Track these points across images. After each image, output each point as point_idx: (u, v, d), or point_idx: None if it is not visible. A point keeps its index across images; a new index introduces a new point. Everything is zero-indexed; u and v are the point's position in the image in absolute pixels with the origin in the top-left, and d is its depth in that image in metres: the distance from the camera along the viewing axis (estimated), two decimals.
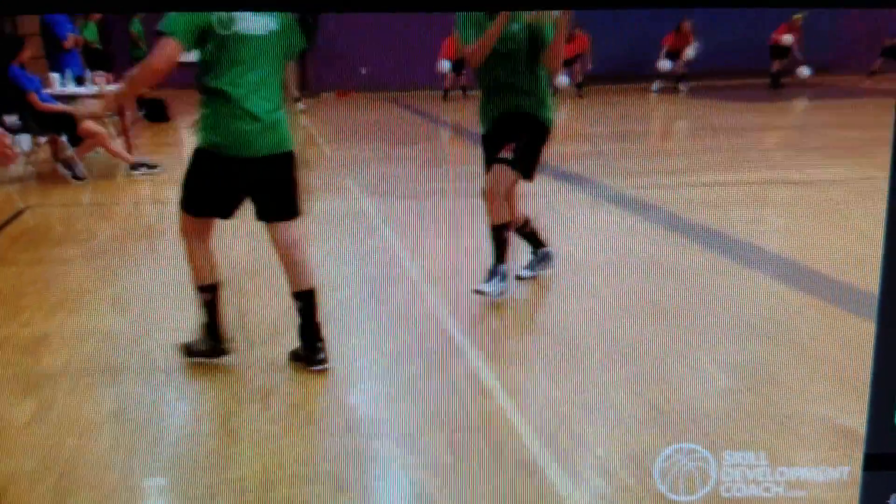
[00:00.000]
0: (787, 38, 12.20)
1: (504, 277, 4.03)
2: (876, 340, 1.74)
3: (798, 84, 12.50)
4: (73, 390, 3.19)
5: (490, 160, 4.07)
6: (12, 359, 3.43)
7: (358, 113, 10.94)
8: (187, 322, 3.64)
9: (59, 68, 7.94)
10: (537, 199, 5.70)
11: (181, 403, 3.15)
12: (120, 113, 7.36)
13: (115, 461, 2.69)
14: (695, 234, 5.06)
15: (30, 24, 9.22)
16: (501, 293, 4.02)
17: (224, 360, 3.39)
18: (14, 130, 7.07)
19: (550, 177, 6.45)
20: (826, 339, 3.52)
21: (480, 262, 4.09)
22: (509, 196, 4.09)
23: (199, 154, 3.22)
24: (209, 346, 3.40)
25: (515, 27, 3.87)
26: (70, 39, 8.35)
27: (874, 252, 4.20)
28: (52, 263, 4.68)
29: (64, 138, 6.79)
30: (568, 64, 12.17)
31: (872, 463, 1.78)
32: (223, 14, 3.06)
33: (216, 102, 3.15)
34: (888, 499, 1.79)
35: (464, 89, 12.07)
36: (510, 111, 4.01)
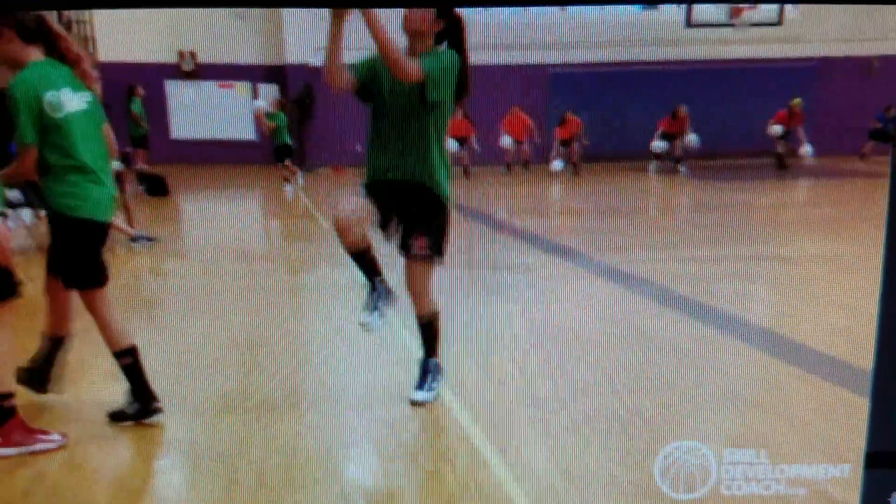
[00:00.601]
0: (776, 129, 12.68)
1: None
2: (877, 341, 1.76)
3: (802, 164, 12.82)
4: (69, 462, 3.18)
5: (405, 251, 3.70)
6: None
7: (354, 187, 11.03)
8: (183, 394, 3.67)
9: None
10: (534, 273, 5.76)
11: (176, 473, 3.14)
12: (121, 188, 7.45)
13: None
14: (684, 306, 5.11)
15: None
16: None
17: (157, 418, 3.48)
18: (16, 205, 7.14)
19: (545, 250, 6.53)
20: (810, 408, 3.54)
21: (476, 332, 4.12)
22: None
23: (81, 226, 3.47)
24: (137, 409, 3.52)
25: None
26: None
27: (856, 325, 4.29)
28: None
29: None
30: (564, 145, 12.64)
31: (873, 461, 1.78)
32: (53, 100, 3.30)
33: (77, 175, 3.41)
34: (889, 496, 1.78)
35: (465, 169, 12.15)
36: (403, 178, 3.63)
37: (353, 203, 3.61)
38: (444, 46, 3.55)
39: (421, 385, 3.75)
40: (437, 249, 3.66)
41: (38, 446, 3.31)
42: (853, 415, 3.49)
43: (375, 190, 3.66)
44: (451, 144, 11.84)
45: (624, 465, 3.04)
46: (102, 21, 13.09)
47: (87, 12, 12.92)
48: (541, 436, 3.34)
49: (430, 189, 3.61)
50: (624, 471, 3.00)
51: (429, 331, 3.77)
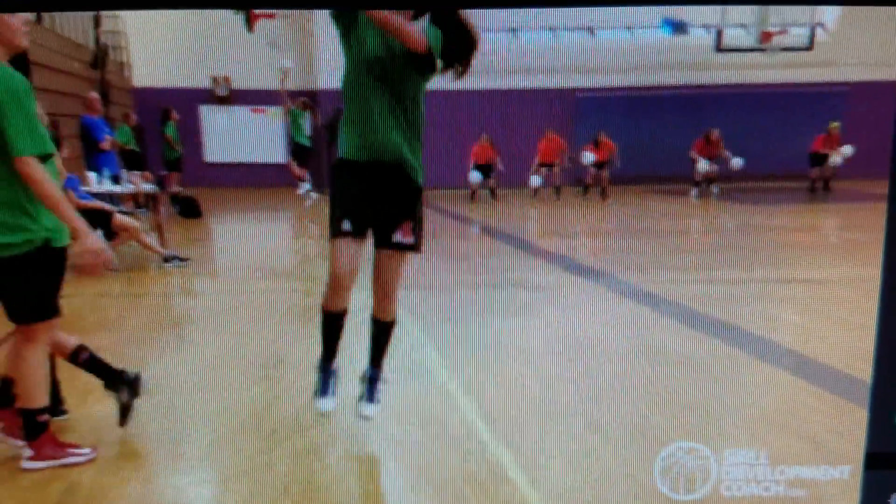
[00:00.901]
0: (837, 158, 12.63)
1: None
2: (877, 341, 1.75)
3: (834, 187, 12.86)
4: (101, 472, 3.22)
5: (384, 243, 3.27)
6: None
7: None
8: (209, 407, 3.72)
9: (96, 168, 8.20)
10: (556, 292, 5.75)
11: (204, 486, 3.17)
12: (155, 209, 7.60)
13: None
14: (710, 327, 5.08)
15: (68, 126, 9.58)
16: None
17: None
18: None
19: (573, 271, 6.52)
20: (837, 430, 3.50)
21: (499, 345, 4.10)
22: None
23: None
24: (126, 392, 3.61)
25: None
26: (107, 141, 8.65)
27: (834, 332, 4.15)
28: None
29: (99, 232, 6.98)
30: (597, 167, 12.62)
31: (873, 462, 1.76)
32: None
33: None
34: (889, 498, 1.76)
35: (492, 191, 12.22)
36: (389, 160, 3.17)
37: (351, 252, 3.18)
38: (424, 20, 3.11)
39: (371, 397, 3.46)
40: (418, 240, 3.28)
41: (70, 459, 3.34)
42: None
43: (353, 171, 3.20)
44: (475, 175, 11.97)
45: (648, 473, 3.03)
46: (138, 47, 13.36)
47: (122, 39, 13.19)
48: (558, 444, 3.33)
49: (413, 173, 3.22)
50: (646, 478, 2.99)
51: (387, 336, 3.44)
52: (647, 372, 4.25)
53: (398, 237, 3.20)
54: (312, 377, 3.50)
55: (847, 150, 12.55)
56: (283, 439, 3.49)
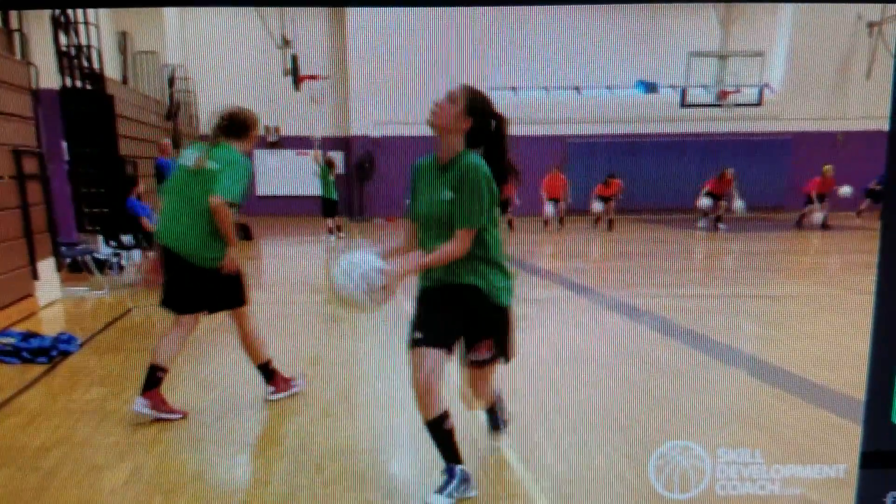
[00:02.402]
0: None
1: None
2: (871, 340, 1.62)
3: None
4: (163, 456, 3.15)
5: (465, 359, 2.85)
6: (113, 430, 3.41)
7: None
8: (255, 401, 3.65)
9: None
10: (555, 305, 5.66)
11: (248, 466, 3.09)
12: None
13: None
14: (684, 335, 5.00)
15: (147, 167, 9.63)
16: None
17: None
18: (128, 247, 7.27)
19: (565, 286, 6.44)
20: (793, 425, 3.40)
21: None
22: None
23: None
24: None
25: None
26: None
27: (832, 354, 4.12)
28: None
29: None
30: (603, 201, 12.26)
31: (869, 460, 1.62)
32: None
33: None
34: (884, 496, 1.62)
35: (510, 223, 11.60)
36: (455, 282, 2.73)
37: (434, 359, 2.70)
38: (480, 151, 2.70)
39: (442, 489, 2.75)
40: (501, 351, 2.82)
41: (165, 415, 3.53)
42: (832, 432, 3.35)
43: (425, 295, 2.82)
44: None
45: (625, 460, 2.93)
46: (204, 102, 13.48)
47: (192, 96, 13.30)
48: (553, 439, 3.24)
49: (490, 294, 2.71)
50: (623, 465, 2.89)
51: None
52: (636, 377, 4.15)
53: (475, 356, 2.83)
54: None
55: (846, 189, 12.08)
56: (319, 423, 3.43)
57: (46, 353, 4.45)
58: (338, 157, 13.34)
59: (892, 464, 1.67)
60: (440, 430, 2.72)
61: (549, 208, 12.16)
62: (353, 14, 13.54)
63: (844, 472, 2.09)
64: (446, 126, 2.65)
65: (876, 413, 1.63)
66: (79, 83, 8.20)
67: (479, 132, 2.67)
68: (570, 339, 4.79)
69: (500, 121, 2.71)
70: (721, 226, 12.09)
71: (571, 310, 5.67)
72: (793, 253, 10.05)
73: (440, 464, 2.76)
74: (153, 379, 3.56)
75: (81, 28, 8.01)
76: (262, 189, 14.33)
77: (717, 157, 13.47)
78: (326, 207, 11.57)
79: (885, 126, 1.75)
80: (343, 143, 14.76)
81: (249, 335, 3.81)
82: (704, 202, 12.10)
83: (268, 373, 3.84)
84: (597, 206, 12.29)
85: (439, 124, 2.66)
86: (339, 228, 12.13)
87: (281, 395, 3.82)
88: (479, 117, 2.65)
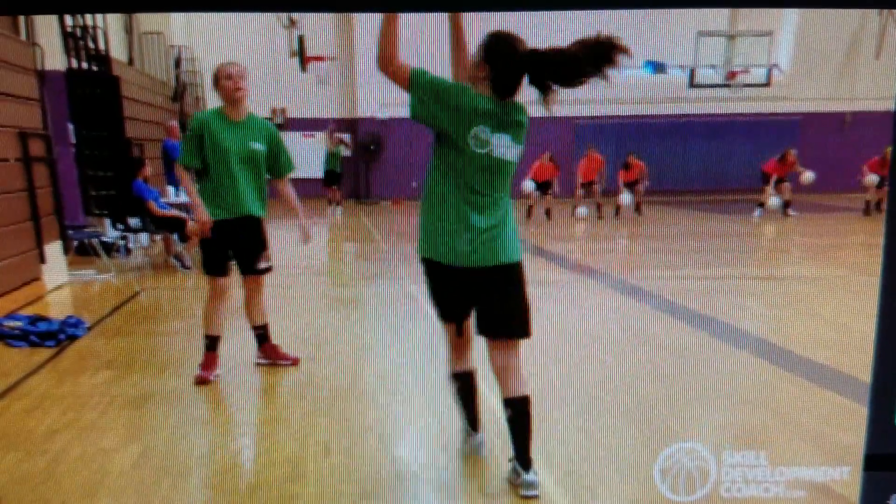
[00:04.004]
0: (872, 179, 10.91)
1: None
2: (876, 343, 1.58)
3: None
4: (171, 439, 3.14)
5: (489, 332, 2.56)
6: (120, 413, 3.40)
7: (409, 217, 11.04)
8: (262, 381, 3.63)
9: (174, 183, 8.18)
10: (564, 288, 5.61)
11: (254, 448, 3.08)
12: None
13: (203, 498, 2.62)
14: (690, 316, 4.96)
15: (153, 149, 9.58)
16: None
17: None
18: (135, 230, 7.25)
19: (572, 269, 6.38)
20: (796, 406, 3.37)
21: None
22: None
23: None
24: None
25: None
26: None
27: (838, 336, 4.07)
28: (160, 335, 4.69)
29: (175, 237, 6.94)
30: (628, 187, 11.23)
31: (872, 463, 1.58)
32: None
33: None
34: (888, 499, 1.59)
35: (548, 212, 10.84)
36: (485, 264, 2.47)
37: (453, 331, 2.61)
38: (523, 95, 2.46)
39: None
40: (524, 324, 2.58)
41: (281, 361, 3.94)
42: (832, 410, 3.31)
43: (449, 276, 2.53)
44: (530, 185, 10.62)
45: (631, 440, 2.90)
46: (210, 84, 13.37)
47: (198, 77, 13.21)
48: (555, 417, 3.21)
49: (509, 263, 2.51)
50: (629, 444, 2.86)
51: (524, 417, 2.57)
52: (637, 355, 4.12)
53: (499, 327, 2.56)
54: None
55: (809, 175, 10.94)
56: (324, 402, 3.41)
57: (54, 336, 4.44)
58: (340, 150, 13.31)
59: None
60: (463, 387, 2.74)
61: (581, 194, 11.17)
62: None
63: (849, 475, 2.05)
64: (468, 77, 2.48)
65: (880, 416, 1.59)
66: (84, 64, 8.14)
67: (501, 77, 2.41)
68: (585, 324, 4.75)
69: (526, 56, 2.39)
70: (792, 212, 11.05)
71: (578, 292, 5.62)
72: (789, 235, 9.96)
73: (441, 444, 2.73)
74: (262, 337, 3.96)
75: None
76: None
77: (723, 137, 13.34)
78: (329, 178, 11.54)
79: (892, 106, 1.69)
80: (350, 125, 14.68)
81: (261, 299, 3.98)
82: (774, 202, 10.99)
83: (262, 337, 4.00)
84: (626, 199, 11.16)
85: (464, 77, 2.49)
86: (338, 203, 12.15)
87: (265, 362, 3.97)
88: (497, 62, 2.41)
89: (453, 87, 2.47)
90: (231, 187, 3.68)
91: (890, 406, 1.57)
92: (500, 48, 2.42)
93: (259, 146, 3.73)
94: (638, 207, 11.38)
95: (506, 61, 2.41)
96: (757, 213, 11.20)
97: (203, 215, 3.67)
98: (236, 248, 3.81)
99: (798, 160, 11.05)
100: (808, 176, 10.79)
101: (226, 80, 3.65)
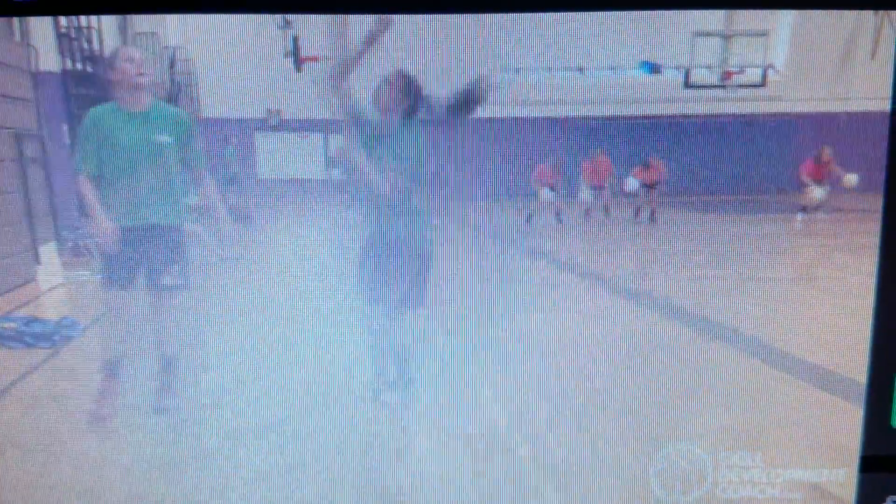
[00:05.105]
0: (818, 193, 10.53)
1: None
2: (871, 344, 1.58)
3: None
4: (168, 441, 3.14)
5: None
6: (116, 414, 3.40)
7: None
8: (250, 381, 3.64)
9: None
10: (559, 289, 5.62)
11: (251, 453, 3.08)
12: None
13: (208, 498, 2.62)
14: (685, 316, 4.97)
15: None
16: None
17: None
18: None
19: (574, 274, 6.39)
20: (794, 407, 3.39)
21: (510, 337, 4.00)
22: None
23: None
24: None
25: None
26: None
27: (835, 337, 4.12)
28: None
29: None
30: (646, 189, 10.57)
31: (868, 465, 1.58)
32: None
33: None
34: (884, 500, 1.59)
35: (557, 214, 10.66)
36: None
37: None
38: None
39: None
40: None
41: None
42: (829, 412, 3.33)
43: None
44: (546, 192, 10.23)
45: (629, 444, 2.91)
46: (206, 85, 13.38)
47: (193, 78, 13.18)
48: (555, 420, 3.22)
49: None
50: (627, 448, 2.87)
51: None
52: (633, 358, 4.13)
53: None
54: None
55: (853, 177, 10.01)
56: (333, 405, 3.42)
57: (49, 337, 4.44)
58: (338, 140, 13.34)
59: (891, 468, 1.64)
60: None
61: (585, 195, 10.68)
62: None
63: (844, 477, 2.05)
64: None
65: (875, 417, 1.59)
66: (79, 65, 8.12)
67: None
68: (579, 322, 4.76)
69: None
70: (823, 214, 10.59)
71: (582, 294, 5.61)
72: (781, 235, 9.94)
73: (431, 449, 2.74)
74: None
75: None
76: (263, 172, 14.34)
77: (718, 137, 13.32)
78: None
79: (887, 107, 1.71)
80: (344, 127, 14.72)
81: None
82: (818, 193, 10.35)
83: None
84: (632, 184, 10.54)
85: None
86: None
87: None
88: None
89: None
90: (133, 190, 3.38)
91: (886, 408, 1.57)
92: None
93: (166, 138, 3.44)
94: (652, 215, 10.71)
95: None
96: (799, 216, 10.55)
97: (104, 223, 3.32)
98: (144, 260, 3.52)
99: (834, 159, 10.33)
100: (850, 178, 9.68)
101: (127, 63, 3.37)
